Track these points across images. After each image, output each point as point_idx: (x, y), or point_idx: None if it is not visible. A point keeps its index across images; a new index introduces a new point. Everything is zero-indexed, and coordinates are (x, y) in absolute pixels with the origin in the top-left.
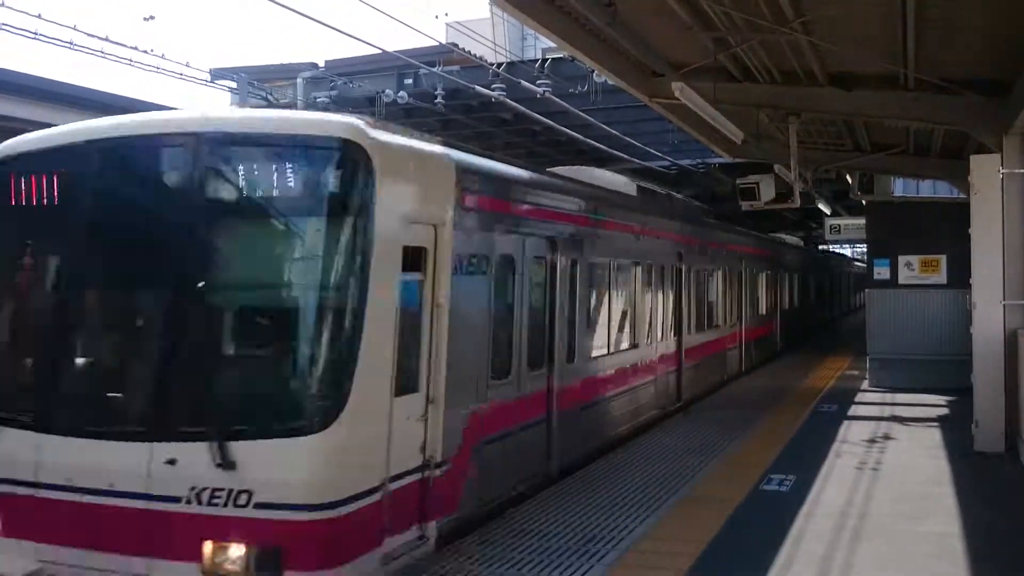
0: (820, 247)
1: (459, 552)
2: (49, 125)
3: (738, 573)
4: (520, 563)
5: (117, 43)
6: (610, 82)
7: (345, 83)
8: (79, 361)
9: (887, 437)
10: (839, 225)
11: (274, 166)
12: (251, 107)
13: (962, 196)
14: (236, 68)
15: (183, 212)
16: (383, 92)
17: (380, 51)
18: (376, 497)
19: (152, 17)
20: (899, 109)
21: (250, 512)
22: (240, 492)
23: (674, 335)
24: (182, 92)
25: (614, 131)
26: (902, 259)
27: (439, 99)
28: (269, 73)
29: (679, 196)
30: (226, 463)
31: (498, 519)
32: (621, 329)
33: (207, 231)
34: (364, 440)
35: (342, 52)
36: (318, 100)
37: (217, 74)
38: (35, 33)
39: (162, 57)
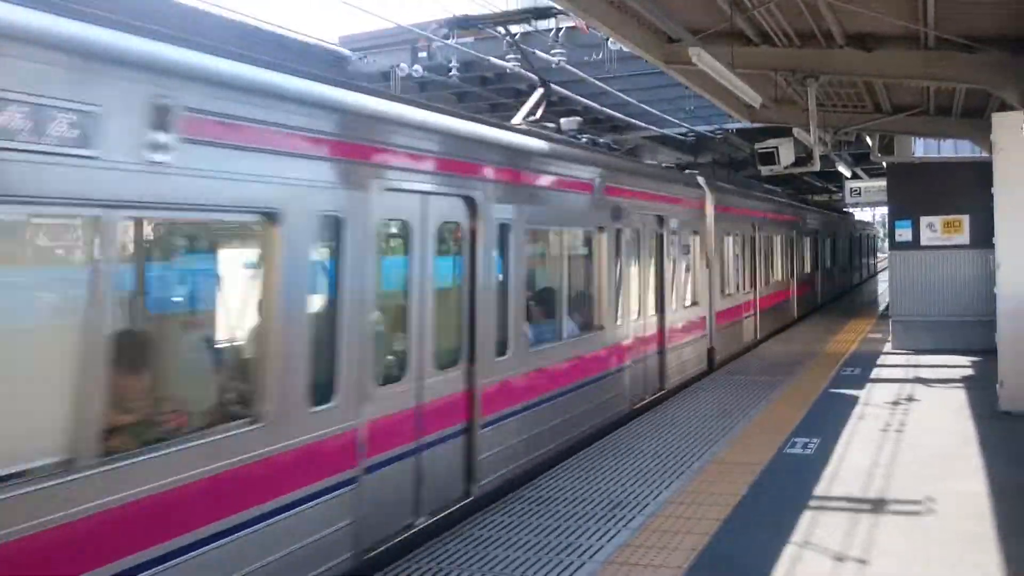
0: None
1: (481, 523)
2: None
3: (763, 535)
4: (544, 529)
5: None
6: (625, 49)
7: (360, 58)
8: None
9: (911, 399)
10: (859, 188)
11: None
12: None
13: (984, 155)
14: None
15: None
16: (397, 66)
17: (394, 25)
18: None
19: None
20: (920, 69)
21: None
22: None
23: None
24: None
25: (630, 99)
26: (924, 220)
27: (454, 72)
28: None
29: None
30: None
31: (523, 487)
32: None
33: None
34: None
35: (355, 28)
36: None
37: None
38: None
39: None
